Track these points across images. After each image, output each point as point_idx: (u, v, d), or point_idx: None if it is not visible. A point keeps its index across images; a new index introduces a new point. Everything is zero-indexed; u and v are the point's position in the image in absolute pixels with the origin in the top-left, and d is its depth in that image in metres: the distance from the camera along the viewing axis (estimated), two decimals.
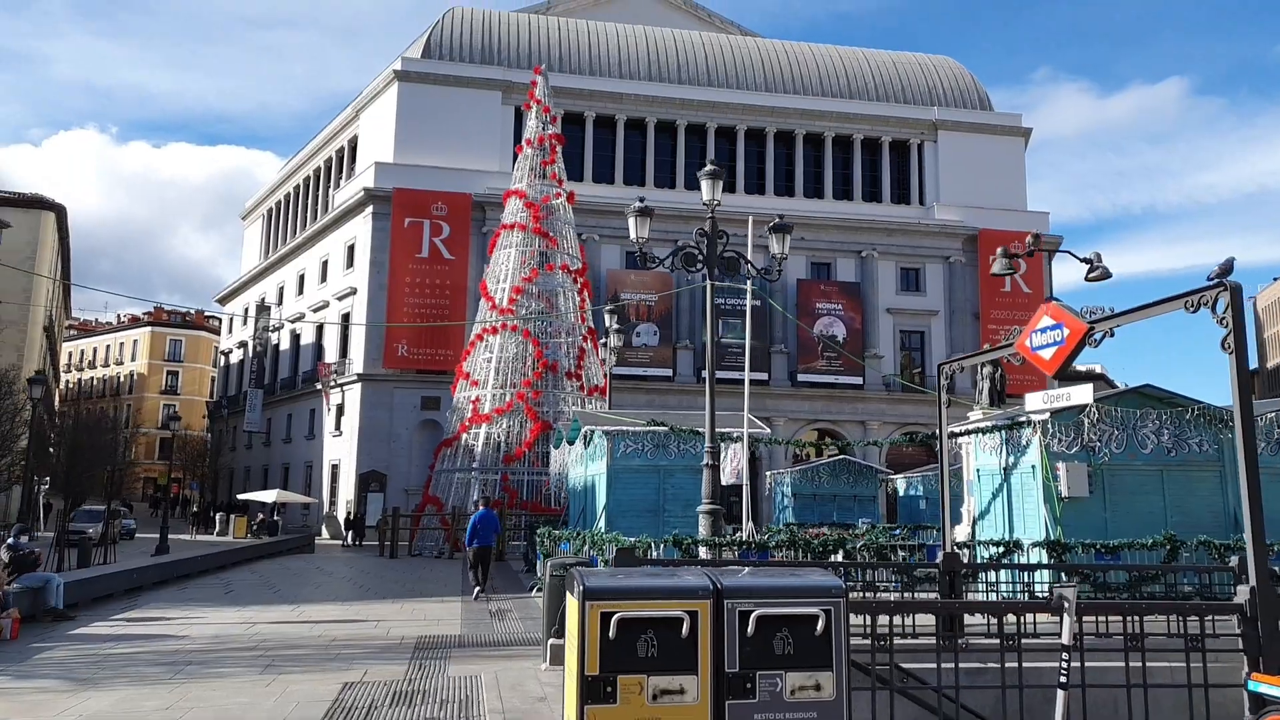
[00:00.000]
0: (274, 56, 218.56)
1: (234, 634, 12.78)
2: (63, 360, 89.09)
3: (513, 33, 55.78)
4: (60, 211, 51.45)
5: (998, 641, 6.80)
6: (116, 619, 14.36)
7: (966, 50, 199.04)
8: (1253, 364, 40.06)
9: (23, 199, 49.33)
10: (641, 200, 16.88)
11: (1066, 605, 6.13)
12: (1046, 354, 9.05)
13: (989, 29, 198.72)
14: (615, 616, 4.82)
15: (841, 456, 34.38)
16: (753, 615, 4.93)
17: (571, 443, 21.70)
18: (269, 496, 47.76)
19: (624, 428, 19.26)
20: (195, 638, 12.32)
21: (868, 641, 6.64)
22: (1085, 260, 14.68)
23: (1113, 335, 8.64)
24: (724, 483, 38.76)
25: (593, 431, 19.58)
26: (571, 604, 5.11)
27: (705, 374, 17.54)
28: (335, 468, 50.12)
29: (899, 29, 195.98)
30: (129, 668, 10.35)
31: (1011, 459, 16.63)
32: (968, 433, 17.53)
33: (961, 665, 6.71)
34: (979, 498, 17.69)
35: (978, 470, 17.69)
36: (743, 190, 54.87)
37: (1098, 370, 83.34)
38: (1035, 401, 9.89)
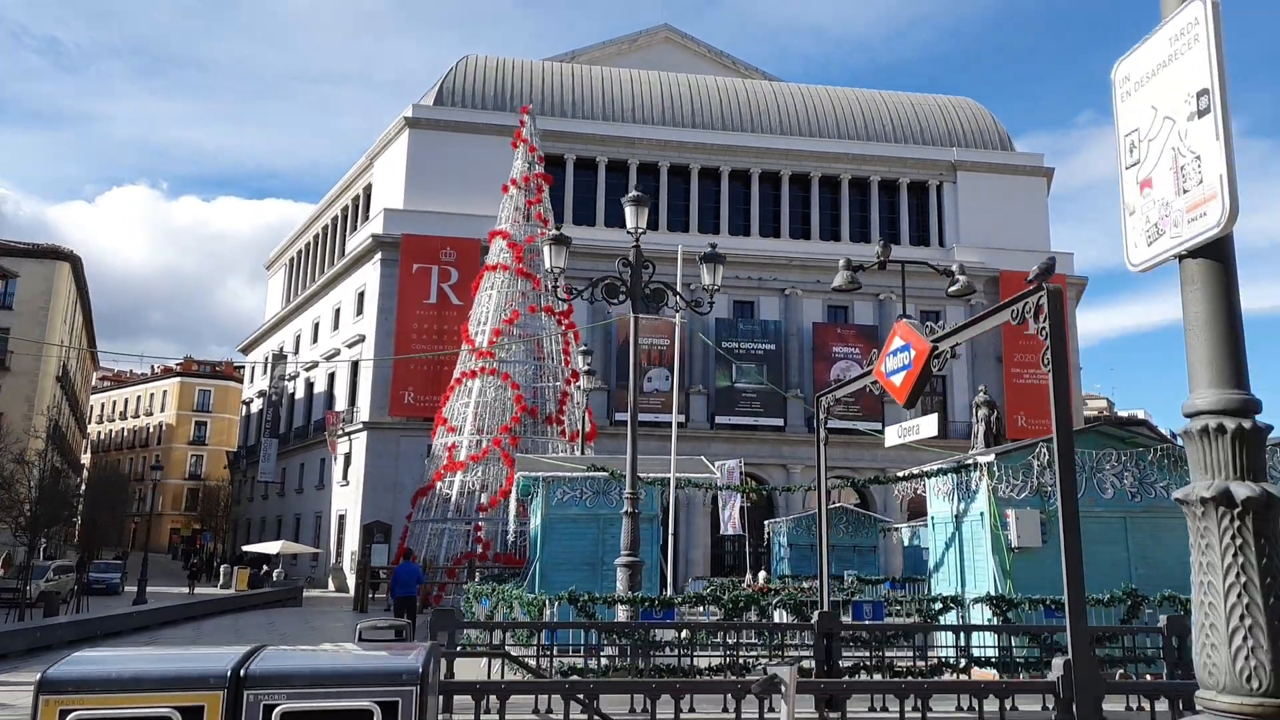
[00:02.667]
0: (323, 111, 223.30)
1: None
2: (96, 412, 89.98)
3: (526, 79, 55.61)
4: (76, 262, 51.84)
5: None
6: None
7: (1007, 96, 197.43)
8: None
9: (37, 249, 49.75)
10: (558, 229, 15.92)
11: (783, 689, 4.86)
12: (897, 380, 7.84)
13: (1030, 75, 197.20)
14: (73, 715, 3.71)
15: (839, 505, 32.86)
16: (277, 711, 3.78)
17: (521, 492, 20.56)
18: (273, 548, 47.10)
19: (560, 474, 18.10)
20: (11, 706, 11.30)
21: None
22: (946, 273, 13.37)
23: (955, 355, 7.43)
24: (722, 533, 37.34)
25: (534, 479, 18.44)
26: None
27: (628, 416, 16.40)
28: (342, 518, 49.38)
29: (940, 76, 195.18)
30: None
31: (962, 505, 15.24)
32: (913, 477, 16.15)
33: None
34: (933, 547, 16.27)
35: (932, 518, 16.30)
36: (757, 234, 53.94)
37: (1140, 416, 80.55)
38: (892, 435, 8.69)
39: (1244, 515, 2.58)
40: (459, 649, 13.34)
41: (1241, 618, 2.51)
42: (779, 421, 50.75)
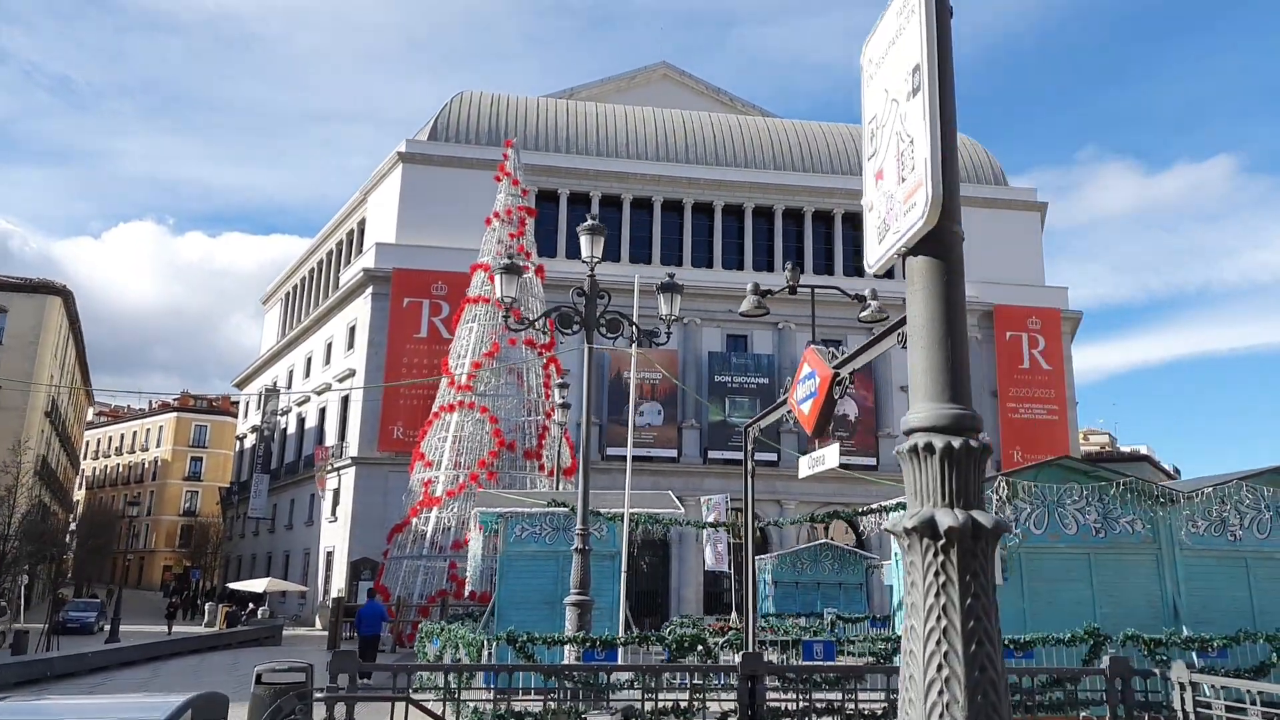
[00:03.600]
0: (332, 149, 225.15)
1: None
2: (92, 447, 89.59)
3: (520, 115, 55.78)
4: (67, 296, 51.85)
5: None
6: None
7: (1009, 132, 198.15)
8: None
9: (28, 284, 49.75)
10: (510, 258, 15.70)
11: None
12: (806, 408, 7.52)
13: (1032, 112, 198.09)
14: None
15: (823, 541, 32.37)
16: None
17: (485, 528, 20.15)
18: (259, 585, 46.57)
19: (519, 509, 17.72)
20: None
21: None
22: (858, 298, 13.07)
23: (852, 382, 7.12)
24: (707, 568, 36.84)
25: (493, 516, 18.05)
26: None
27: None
28: (330, 555, 48.91)
29: None
30: None
31: None
32: (871, 512, 15.72)
33: None
34: (895, 585, 15.81)
35: (895, 554, 15.84)
36: (751, 268, 53.72)
37: (1143, 451, 79.76)
38: (804, 467, 8.36)
39: (948, 548, 2.22)
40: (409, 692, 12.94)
41: (939, 668, 2.15)
42: (772, 456, 50.14)
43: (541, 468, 30.62)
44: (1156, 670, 9.55)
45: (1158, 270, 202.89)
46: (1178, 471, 74.08)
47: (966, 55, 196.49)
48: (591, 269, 15.77)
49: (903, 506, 14.15)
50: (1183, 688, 8.70)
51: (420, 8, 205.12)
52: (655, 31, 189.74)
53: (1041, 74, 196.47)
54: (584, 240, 15.86)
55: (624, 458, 49.71)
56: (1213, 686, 8.48)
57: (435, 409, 32.47)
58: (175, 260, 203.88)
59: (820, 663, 11.50)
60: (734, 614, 34.05)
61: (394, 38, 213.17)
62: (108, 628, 33.87)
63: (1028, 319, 51.63)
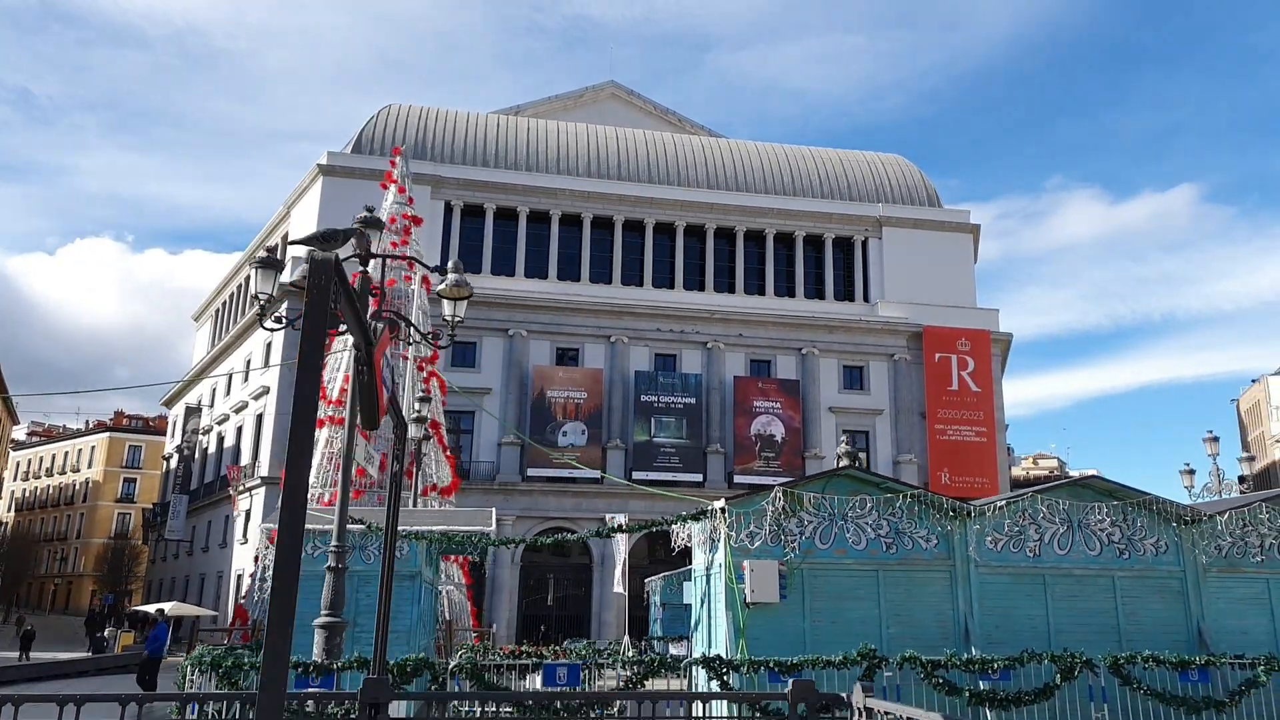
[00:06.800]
0: (299, 168, 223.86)
1: None
2: (21, 468, 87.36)
3: (448, 129, 54.89)
4: None
5: None
6: None
7: (978, 159, 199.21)
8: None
9: None
10: (269, 250, 14.64)
11: None
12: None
13: (1001, 139, 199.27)
14: None
15: None
16: None
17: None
18: (164, 609, 44.99)
19: (310, 526, 16.52)
20: None
21: None
22: (437, 270, 12.08)
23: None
24: (615, 591, 35.43)
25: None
26: None
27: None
28: (240, 578, 47.41)
29: (913, 139, 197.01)
30: None
31: (710, 556, 13.75)
32: (679, 520, 14.54)
33: None
34: (694, 603, 14.74)
35: (692, 570, 14.79)
36: (681, 286, 52.80)
37: (1091, 474, 79.06)
38: None
39: None
40: None
41: None
42: (698, 477, 49.09)
43: (411, 486, 29.36)
44: (845, 695, 8.47)
45: (1124, 298, 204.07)
46: None
47: (935, 85, 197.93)
48: (365, 267, 14.69)
49: (694, 519, 12.99)
50: (859, 714, 7.66)
51: (393, 28, 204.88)
52: (628, 54, 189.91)
53: (1009, 103, 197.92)
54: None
55: (546, 478, 48.32)
56: (881, 713, 7.45)
57: None
58: (134, 277, 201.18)
59: (477, 691, 10.36)
60: (626, 638, 32.75)
61: (365, 57, 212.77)
62: None
63: (957, 340, 50.83)
